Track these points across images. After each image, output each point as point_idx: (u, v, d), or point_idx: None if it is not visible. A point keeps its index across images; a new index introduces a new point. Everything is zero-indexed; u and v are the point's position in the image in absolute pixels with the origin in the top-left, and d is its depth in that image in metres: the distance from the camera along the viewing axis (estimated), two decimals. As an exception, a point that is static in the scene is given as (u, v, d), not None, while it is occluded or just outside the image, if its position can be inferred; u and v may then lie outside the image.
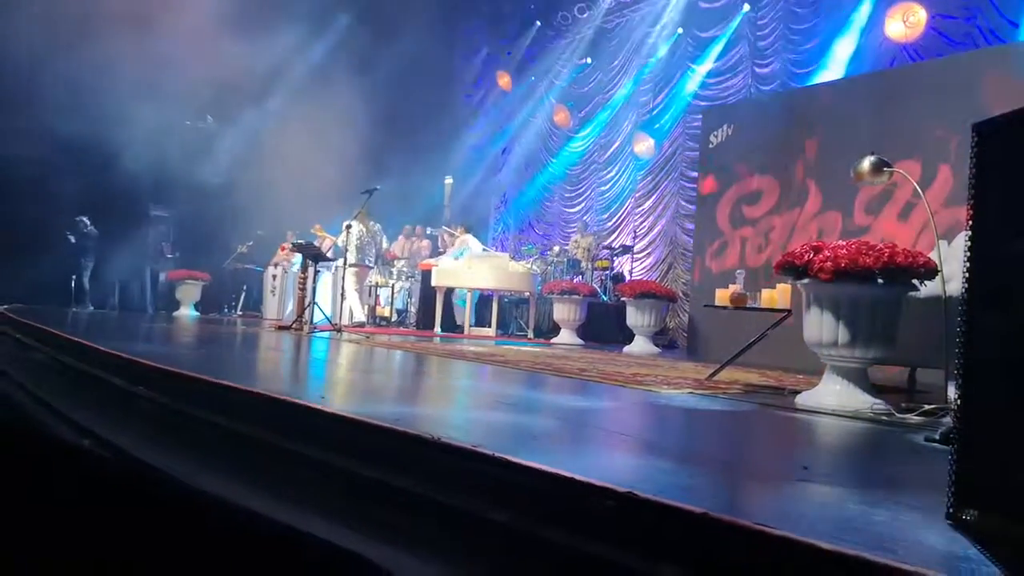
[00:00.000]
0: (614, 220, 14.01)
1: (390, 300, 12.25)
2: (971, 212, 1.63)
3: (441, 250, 12.66)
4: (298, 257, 10.54)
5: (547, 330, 10.99)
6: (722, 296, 5.47)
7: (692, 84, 12.55)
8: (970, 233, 1.63)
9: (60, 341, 5.28)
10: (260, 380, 3.63)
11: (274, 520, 2.26)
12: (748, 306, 5.30)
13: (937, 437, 2.78)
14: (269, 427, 2.74)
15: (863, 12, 9.78)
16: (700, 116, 10.50)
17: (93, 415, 3.80)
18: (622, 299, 9.16)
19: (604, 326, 10.91)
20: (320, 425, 2.54)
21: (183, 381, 3.41)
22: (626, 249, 13.06)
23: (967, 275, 1.61)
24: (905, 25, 9.15)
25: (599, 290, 11.50)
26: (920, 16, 9.02)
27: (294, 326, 9.12)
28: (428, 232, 13.52)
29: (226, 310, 13.67)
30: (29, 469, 2.62)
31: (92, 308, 12.06)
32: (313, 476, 2.41)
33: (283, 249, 12.86)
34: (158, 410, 3.48)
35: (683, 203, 12.49)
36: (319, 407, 2.62)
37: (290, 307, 11.42)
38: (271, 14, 11.88)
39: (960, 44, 8.61)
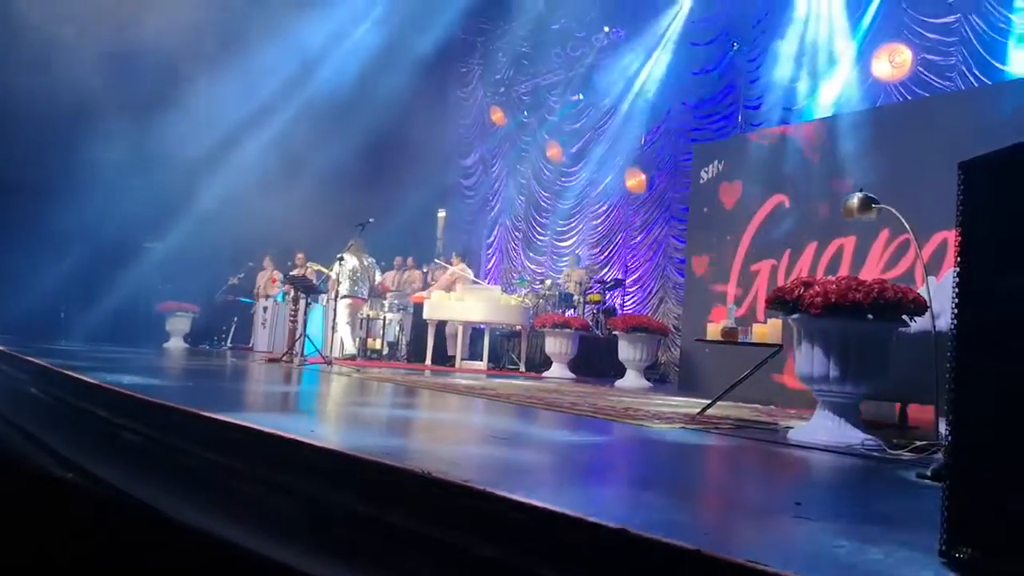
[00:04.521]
0: (606, 254, 14.07)
1: (381, 332, 12.21)
2: (958, 249, 1.65)
3: (431, 282, 12.66)
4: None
5: (539, 363, 10.96)
6: (713, 331, 5.48)
7: (683, 121, 12.71)
8: (958, 270, 1.64)
9: (47, 373, 5.23)
10: (248, 413, 3.60)
11: (262, 555, 2.22)
12: (739, 341, 5.32)
13: (929, 474, 2.78)
14: (257, 460, 2.71)
15: (850, 53, 9.97)
16: (691, 152, 10.61)
17: (78, 448, 3.75)
18: (614, 333, 9.16)
19: (596, 360, 10.89)
20: (309, 458, 2.51)
21: (170, 413, 3.38)
22: (618, 283, 13.09)
23: (956, 311, 1.62)
24: (891, 65, 9.32)
25: (591, 324, 11.50)
26: (906, 56, 9.20)
27: (284, 358, 9.07)
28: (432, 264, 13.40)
29: (216, 342, 13.59)
30: (13, 502, 2.58)
31: (81, 340, 11.97)
32: (301, 510, 2.38)
33: (273, 280, 12.83)
34: (145, 443, 3.44)
35: (674, 238, 12.57)
36: (308, 440, 2.60)
37: (281, 339, 11.38)
38: (263, 47, 12.00)
39: (945, 84, 8.77)
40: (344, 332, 10.51)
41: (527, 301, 11.59)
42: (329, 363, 8.85)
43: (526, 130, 16.03)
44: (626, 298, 13.31)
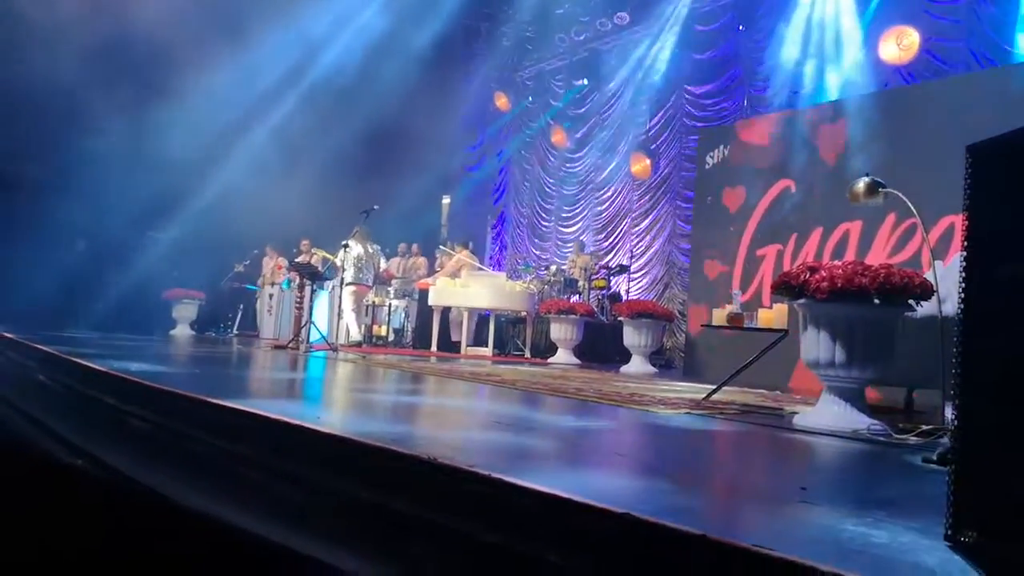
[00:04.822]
0: (611, 240, 14.05)
1: (387, 319, 12.24)
2: (966, 233, 1.64)
3: (437, 269, 12.66)
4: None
5: (544, 349, 10.98)
6: (719, 316, 5.48)
7: (688, 105, 12.66)
8: (965, 254, 1.64)
9: (55, 360, 5.25)
10: (255, 399, 3.61)
11: (269, 540, 2.24)
12: (745, 326, 5.31)
13: (935, 458, 2.77)
14: (264, 447, 2.73)
15: (857, 36, 9.90)
16: (696, 137, 10.57)
17: (87, 435, 3.78)
18: (619, 319, 9.16)
19: (601, 346, 10.90)
20: (315, 445, 2.52)
21: (177, 400, 3.39)
22: (623, 269, 13.08)
23: (962, 296, 1.62)
24: (899, 48, 9.24)
25: (596, 310, 11.49)
26: (913, 39, 9.12)
27: (290, 345, 9.09)
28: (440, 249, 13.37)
29: (222, 329, 13.63)
30: (23, 489, 2.61)
31: (88, 328, 12.01)
32: (308, 496, 2.40)
33: (279, 267, 12.85)
34: (153, 430, 3.46)
35: (680, 223, 12.55)
36: (314, 427, 2.61)
37: (287, 326, 11.41)
38: (267, 34, 11.96)
39: (953, 67, 8.70)
40: (349, 319, 10.53)
41: (532, 287, 11.58)
42: (335, 350, 8.87)
43: (530, 116, 15.97)
44: (631, 284, 13.30)
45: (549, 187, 15.51)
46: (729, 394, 5.42)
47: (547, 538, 1.74)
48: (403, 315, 12.48)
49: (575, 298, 11.77)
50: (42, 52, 10.56)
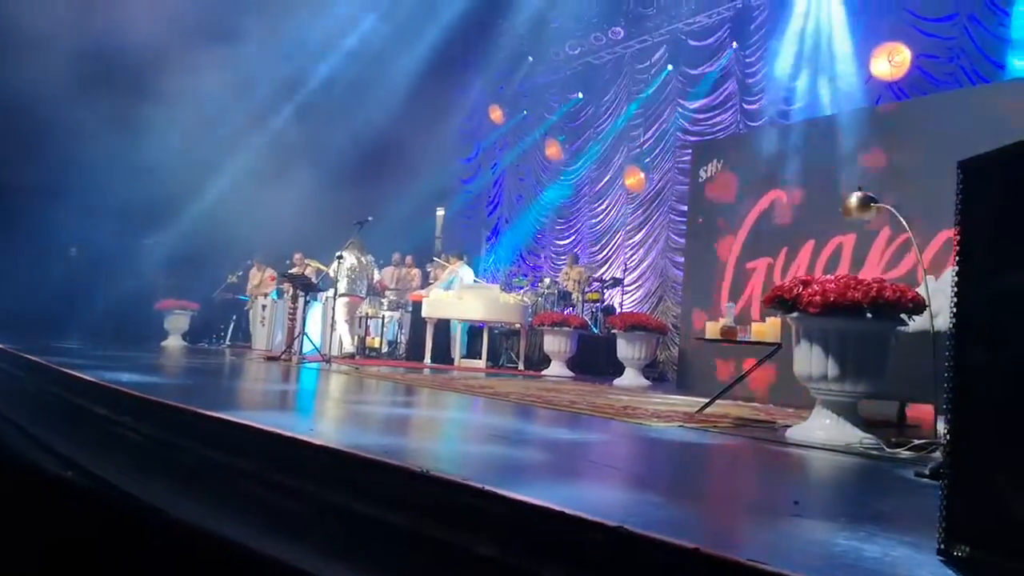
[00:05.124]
0: (605, 252, 14.08)
1: (380, 331, 12.20)
2: (957, 248, 1.65)
3: (431, 281, 12.65)
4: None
5: (537, 362, 10.96)
6: (712, 329, 5.48)
7: (682, 119, 12.73)
8: (957, 268, 1.64)
9: (45, 371, 5.22)
10: (247, 411, 3.60)
11: (260, 552, 2.22)
12: (738, 339, 5.32)
13: (927, 472, 2.78)
14: (257, 459, 2.71)
15: (849, 52, 10.00)
16: (690, 151, 10.62)
17: (77, 446, 3.75)
18: (612, 331, 9.16)
19: (594, 358, 10.89)
20: (308, 457, 2.51)
21: (169, 411, 3.37)
22: (617, 281, 13.09)
23: (954, 310, 1.62)
24: (890, 64, 9.32)
25: (589, 322, 11.49)
26: (905, 56, 9.20)
27: (283, 357, 9.05)
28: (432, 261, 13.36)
29: (215, 340, 13.57)
30: (12, 501, 2.58)
31: (80, 338, 11.95)
32: (301, 509, 2.38)
33: (271, 279, 12.81)
34: (143, 441, 3.43)
35: (673, 236, 12.58)
36: (307, 439, 2.60)
37: (279, 337, 11.37)
38: (263, 46, 11.99)
39: (944, 83, 8.78)
40: (342, 330, 10.50)
41: (526, 299, 11.58)
42: (328, 361, 8.84)
43: (525, 129, 16.02)
44: (625, 296, 13.32)
45: (543, 199, 15.54)
46: (722, 407, 5.42)
47: (540, 551, 1.73)
48: (396, 327, 12.45)
49: (569, 310, 11.77)
50: (35, 58, 10.55)
